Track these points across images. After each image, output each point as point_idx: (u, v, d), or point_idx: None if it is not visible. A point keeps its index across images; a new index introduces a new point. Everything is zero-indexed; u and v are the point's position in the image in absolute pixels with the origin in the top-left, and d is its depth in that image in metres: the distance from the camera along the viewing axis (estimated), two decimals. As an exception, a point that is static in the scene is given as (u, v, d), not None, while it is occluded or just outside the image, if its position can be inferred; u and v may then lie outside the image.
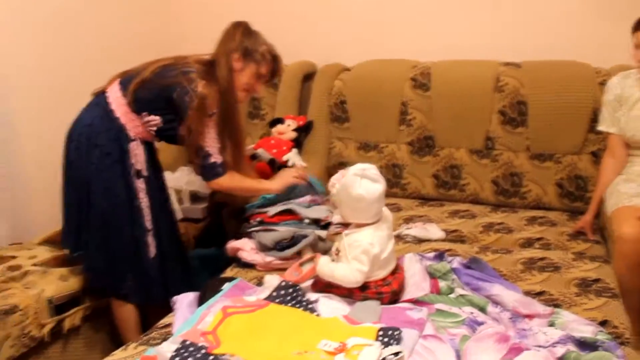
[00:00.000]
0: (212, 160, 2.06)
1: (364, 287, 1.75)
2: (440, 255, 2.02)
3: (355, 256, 1.69)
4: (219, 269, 2.54)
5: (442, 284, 1.87)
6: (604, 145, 2.50)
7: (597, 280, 1.94)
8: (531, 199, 2.63)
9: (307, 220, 2.19)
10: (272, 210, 2.23)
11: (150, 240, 2.12)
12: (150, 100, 2.05)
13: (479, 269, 1.90)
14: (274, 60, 2.12)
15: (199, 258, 2.59)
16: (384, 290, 1.76)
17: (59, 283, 2.10)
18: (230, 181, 2.12)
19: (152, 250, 2.13)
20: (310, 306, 1.72)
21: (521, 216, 2.55)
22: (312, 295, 1.78)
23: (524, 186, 2.63)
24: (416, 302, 1.80)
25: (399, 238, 2.31)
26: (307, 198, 2.28)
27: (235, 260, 2.19)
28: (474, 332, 1.61)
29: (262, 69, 2.09)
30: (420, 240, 2.31)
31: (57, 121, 2.55)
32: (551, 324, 1.66)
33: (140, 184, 2.11)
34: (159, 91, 2.03)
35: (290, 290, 1.78)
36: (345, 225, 2.43)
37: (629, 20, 2.25)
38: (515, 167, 2.64)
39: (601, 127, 2.35)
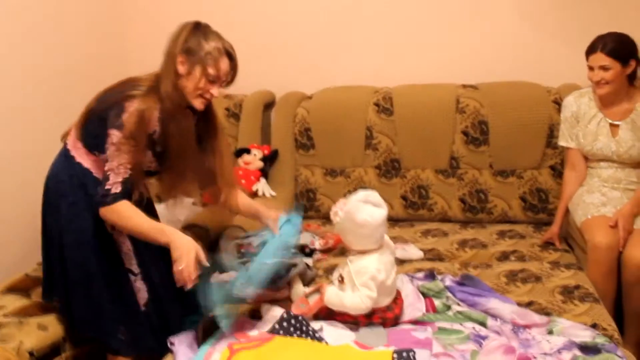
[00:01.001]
0: (107, 186, 1.76)
1: (369, 314, 1.77)
2: (430, 275, 2.07)
3: (364, 282, 1.71)
4: (196, 303, 2.48)
5: (437, 302, 1.92)
6: (560, 159, 2.66)
7: (577, 287, 2.05)
8: (497, 213, 2.74)
9: (293, 249, 2.18)
10: (256, 240, 2.21)
11: (140, 285, 1.96)
12: (96, 133, 1.82)
13: (472, 284, 1.96)
14: (225, 57, 1.82)
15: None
16: (388, 315, 1.79)
17: (38, 333, 1.97)
18: (117, 215, 1.77)
19: (143, 296, 1.96)
20: (317, 335, 1.72)
21: (490, 231, 2.65)
22: (315, 324, 1.78)
23: (490, 202, 2.74)
24: (416, 322, 1.84)
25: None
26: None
27: (223, 295, 2.14)
28: (480, 346, 1.67)
29: (210, 69, 1.80)
30: (401, 261, 2.35)
31: (13, 167, 2.46)
32: (550, 332, 1.73)
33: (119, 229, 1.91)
34: (99, 120, 1.80)
35: (293, 320, 1.76)
36: (325, 251, 2.46)
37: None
38: (480, 184, 2.75)
39: (561, 143, 2.50)
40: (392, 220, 2.84)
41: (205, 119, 1.98)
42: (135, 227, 1.79)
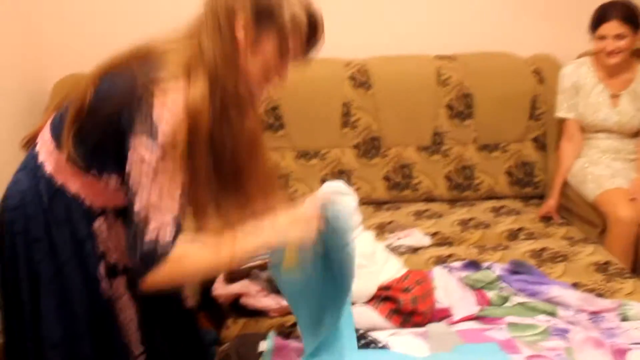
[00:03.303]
0: (150, 236, 1.11)
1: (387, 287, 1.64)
2: (471, 264, 1.90)
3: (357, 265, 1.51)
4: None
5: (491, 294, 1.76)
6: (543, 130, 2.61)
7: (607, 263, 1.98)
8: (484, 189, 2.63)
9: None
10: None
11: None
12: (99, 145, 1.20)
13: (527, 272, 1.81)
14: (311, 20, 1.21)
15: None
16: (408, 284, 1.65)
17: None
18: (182, 265, 1.15)
19: None
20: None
21: (482, 208, 2.53)
22: (379, 336, 1.54)
23: (476, 178, 2.63)
24: (477, 318, 1.66)
25: (391, 250, 2.13)
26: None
27: (235, 309, 1.80)
28: (569, 341, 1.52)
29: (292, 41, 1.19)
30: (414, 249, 2.16)
31: None
32: (624, 318, 1.63)
33: (118, 286, 1.33)
34: (105, 125, 1.17)
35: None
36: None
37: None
38: (466, 160, 2.62)
39: (560, 114, 2.43)
40: (376, 204, 2.64)
41: None
42: (214, 262, 1.19)
